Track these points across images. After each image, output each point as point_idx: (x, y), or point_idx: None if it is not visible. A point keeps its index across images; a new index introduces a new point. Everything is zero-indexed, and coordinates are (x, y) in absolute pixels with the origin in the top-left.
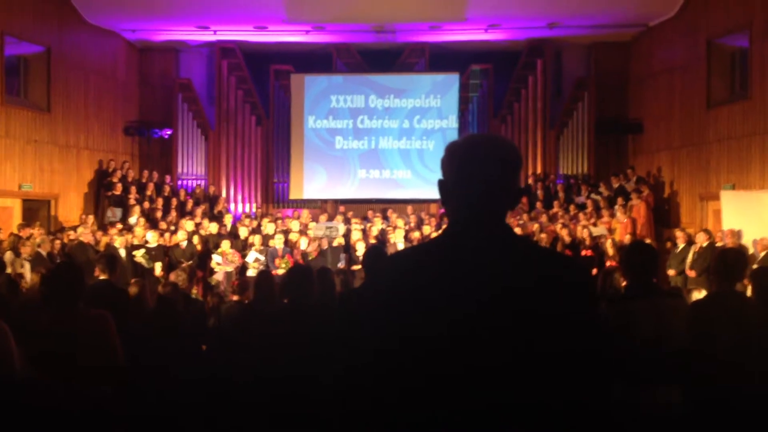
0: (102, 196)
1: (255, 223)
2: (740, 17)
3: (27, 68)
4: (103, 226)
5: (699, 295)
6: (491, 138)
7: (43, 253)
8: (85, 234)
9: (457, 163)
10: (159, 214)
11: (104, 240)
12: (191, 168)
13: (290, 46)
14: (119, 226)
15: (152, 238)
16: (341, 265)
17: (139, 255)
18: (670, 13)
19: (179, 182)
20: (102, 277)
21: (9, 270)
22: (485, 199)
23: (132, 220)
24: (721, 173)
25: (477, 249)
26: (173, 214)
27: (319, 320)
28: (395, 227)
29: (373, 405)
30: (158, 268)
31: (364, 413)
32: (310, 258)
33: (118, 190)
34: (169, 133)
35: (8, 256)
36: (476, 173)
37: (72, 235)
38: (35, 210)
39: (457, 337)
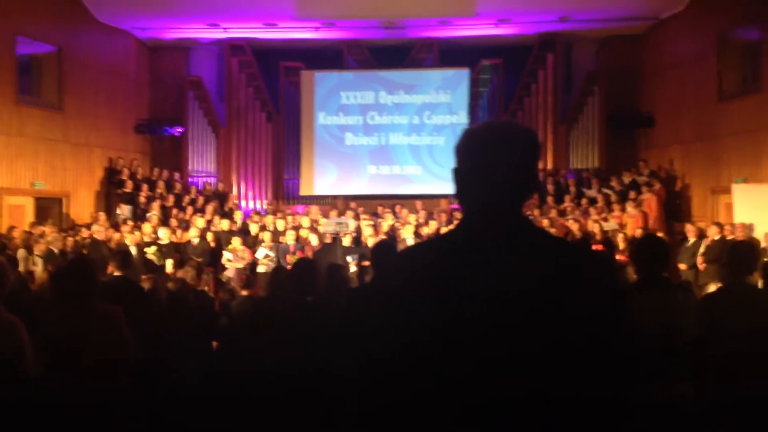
0: (112, 193)
1: (265, 220)
2: (752, 9)
3: (39, 67)
4: (115, 224)
5: (714, 288)
6: (510, 124)
7: (56, 250)
8: (98, 231)
9: (475, 148)
10: (173, 211)
11: (116, 237)
12: (202, 165)
13: (300, 43)
14: (130, 223)
15: (164, 235)
16: (351, 261)
17: (150, 252)
18: (681, 5)
19: (190, 179)
20: (116, 273)
21: (21, 267)
22: (504, 187)
23: (150, 215)
24: (732, 167)
25: (495, 240)
26: (189, 210)
27: (325, 315)
28: (405, 223)
29: (383, 404)
30: (169, 265)
31: (371, 412)
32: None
33: (128, 187)
34: (179, 130)
35: (21, 253)
36: (495, 159)
37: (85, 232)
38: (47, 208)
39: (479, 330)
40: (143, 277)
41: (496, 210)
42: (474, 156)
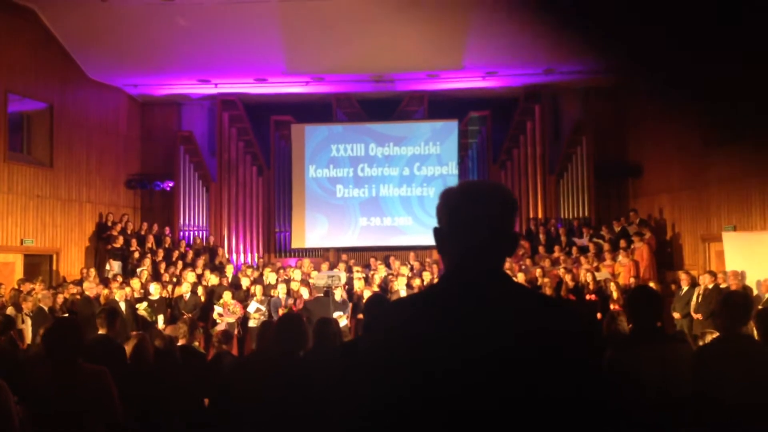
0: (101, 249)
1: (257, 273)
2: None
3: (30, 125)
4: (105, 280)
5: (712, 337)
6: (485, 183)
7: (45, 308)
8: (89, 288)
9: (452, 209)
10: (163, 266)
11: (104, 293)
12: (193, 219)
13: (290, 97)
14: (120, 279)
15: (155, 291)
16: (342, 315)
17: (141, 308)
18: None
19: (181, 233)
20: (101, 331)
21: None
22: (481, 246)
23: (141, 271)
24: (722, 214)
25: (474, 297)
26: (179, 265)
27: (314, 371)
28: (398, 274)
29: None
30: (161, 321)
31: None
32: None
33: (119, 242)
34: (170, 185)
35: (9, 311)
36: (471, 219)
37: (73, 289)
38: (37, 265)
39: (454, 388)
40: (132, 333)
41: (473, 268)
42: (450, 216)
